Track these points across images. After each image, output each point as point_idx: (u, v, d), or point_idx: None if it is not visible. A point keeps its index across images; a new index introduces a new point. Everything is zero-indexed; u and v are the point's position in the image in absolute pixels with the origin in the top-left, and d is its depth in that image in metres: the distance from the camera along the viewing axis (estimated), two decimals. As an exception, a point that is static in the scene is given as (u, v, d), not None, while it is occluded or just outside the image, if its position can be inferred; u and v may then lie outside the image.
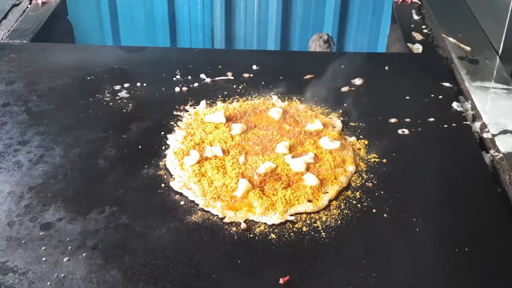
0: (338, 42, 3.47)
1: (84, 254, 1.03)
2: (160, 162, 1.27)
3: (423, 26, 1.94)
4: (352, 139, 1.34)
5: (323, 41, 2.33)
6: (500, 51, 1.67)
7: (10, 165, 1.25)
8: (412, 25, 1.96)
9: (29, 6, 2.04)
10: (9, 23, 1.93)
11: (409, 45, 1.82)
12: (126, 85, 1.53)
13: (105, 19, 3.44)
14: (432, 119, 1.41)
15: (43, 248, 1.04)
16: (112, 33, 3.48)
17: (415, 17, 2.00)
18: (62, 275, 0.99)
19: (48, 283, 0.97)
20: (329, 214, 1.13)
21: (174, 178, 1.22)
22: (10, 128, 1.36)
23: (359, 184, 1.21)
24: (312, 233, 1.09)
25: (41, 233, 1.08)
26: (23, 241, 1.06)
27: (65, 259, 1.02)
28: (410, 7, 2.07)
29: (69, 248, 1.04)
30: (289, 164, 1.24)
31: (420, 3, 2.09)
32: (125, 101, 1.47)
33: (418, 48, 1.80)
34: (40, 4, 2.04)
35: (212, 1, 3.42)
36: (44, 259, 1.02)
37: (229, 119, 1.39)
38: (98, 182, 1.21)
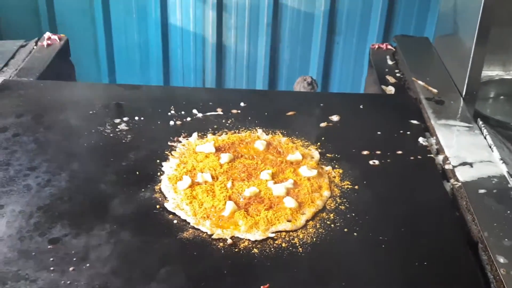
0: (323, 84, 3.68)
1: (88, 265, 1.16)
2: (156, 186, 1.41)
3: (396, 71, 2.12)
4: (328, 168, 1.50)
5: (307, 83, 2.50)
6: (464, 93, 1.85)
7: (20, 188, 1.38)
8: (387, 69, 2.13)
9: (35, 47, 2.20)
10: (16, 63, 2.08)
11: (383, 87, 2.00)
12: (125, 118, 1.68)
13: (102, 61, 3.64)
14: (400, 152, 1.56)
15: (51, 259, 1.17)
16: (109, 73, 3.67)
17: (389, 62, 2.19)
18: (68, 282, 1.11)
19: (56, 289, 1.10)
20: (306, 232, 1.27)
21: (168, 200, 1.36)
22: (20, 155, 1.50)
23: (333, 207, 1.36)
24: (291, 248, 1.22)
25: (49, 247, 1.20)
26: (33, 253, 1.18)
27: (71, 269, 1.14)
28: (385, 53, 2.26)
29: (74, 259, 1.17)
30: (271, 189, 1.38)
31: (394, 49, 2.28)
32: (124, 133, 1.62)
33: (391, 90, 1.97)
34: (45, 46, 2.20)
35: (204, 45, 3.63)
36: (52, 268, 1.14)
37: (218, 149, 1.54)
38: (100, 203, 1.35)
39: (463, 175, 1.46)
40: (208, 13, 3.53)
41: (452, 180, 1.46)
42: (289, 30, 3.59)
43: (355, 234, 1.27)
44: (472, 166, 1.50)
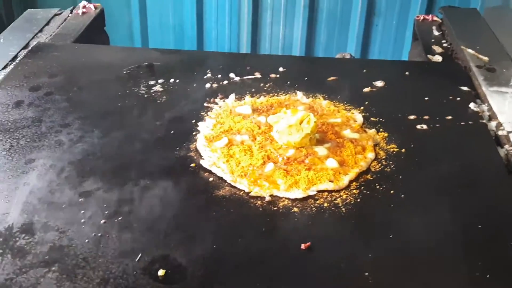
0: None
1: (120, 218, 1.10)
2: (191, 145, 1.34)
3: (443, 41, 2.01)
4: (372, 131, 1.41)
5: (346, 59, 2.41)
6: (518, 61, 1.74)
7: (52, 143, 1.34)
8: (433, 40, 2.03)
9: (70, 15, 2.17)
10: (51, 29, 2.05)
11: (429, 56, 1.89)
12: (160, 80, 1.62)
13: (137, 45, 3.60)
14: (450, 117, 1.46)
15: (82, 212, 1.12)
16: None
17: (436, 33, 2.08)
18: (99, 234, 1.06)
19: (86, 240, 1.04)
20: (349, 193, 1.19)
21: (204, 158, 1.29)
22: (53, 113, 1.46)
23: (378, 169, 1.27)
24: (333, 208, 1.15)
25: (80, 200, 1.16)
26: (63, 206, 1.14)
27: (102, 221, 1.09)
28: (431, 24, 2.15)
29: (106, 212, 1.12)
30: (313, 149, 1.31)
31: (440, 21, 2.17)
32: (159, 94, 1.56)
33: (438, 59, 1.87)
34: (80, 14, 2.17)
35: (239, 27, 3.56)
36: (82, 220, 1.09)
37: (256, 111, 1.46)
38: (133, 160, 1.29)
39: (519, 141, 1.36)
40: (244, -7, 3.47)
41: (506, 146, 1.36)
42: (327, 12, 3.49)
43: (402, 196, 1.18)
44: (528, 133, 1.39)
